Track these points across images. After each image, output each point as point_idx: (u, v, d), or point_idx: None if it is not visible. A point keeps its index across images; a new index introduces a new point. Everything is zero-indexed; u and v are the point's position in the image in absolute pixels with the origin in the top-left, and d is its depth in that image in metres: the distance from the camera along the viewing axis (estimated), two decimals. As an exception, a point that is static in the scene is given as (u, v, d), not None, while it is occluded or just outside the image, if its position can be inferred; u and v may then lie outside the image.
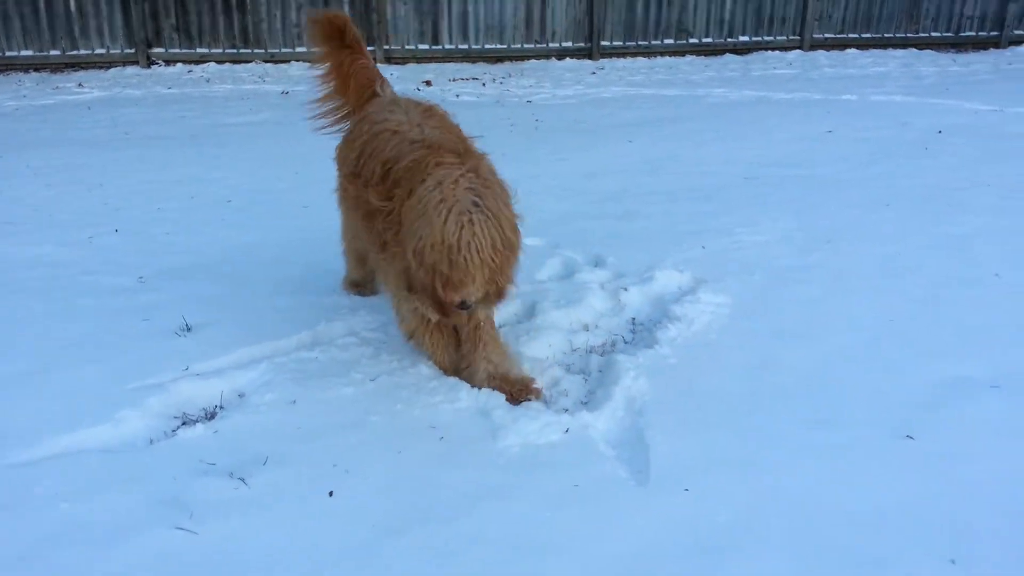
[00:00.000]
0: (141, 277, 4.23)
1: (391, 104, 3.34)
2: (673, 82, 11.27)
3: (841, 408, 2.86)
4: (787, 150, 6.77)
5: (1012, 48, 13.69)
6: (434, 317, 2.95)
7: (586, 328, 3.58)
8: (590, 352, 3.39)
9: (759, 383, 3.04)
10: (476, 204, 2.53)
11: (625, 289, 3.84)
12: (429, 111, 3.25)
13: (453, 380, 3.10)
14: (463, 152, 2.83)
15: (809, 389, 2.99)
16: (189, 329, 3.59)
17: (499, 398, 2.98)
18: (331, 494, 2.51)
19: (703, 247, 4.43)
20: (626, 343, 3.48)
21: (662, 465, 2.58)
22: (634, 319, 3.67)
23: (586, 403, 3.02)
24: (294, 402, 3.00)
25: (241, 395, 3.13)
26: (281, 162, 6.83)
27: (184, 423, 2.93)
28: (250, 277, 4.22)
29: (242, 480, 2.55)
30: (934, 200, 5.14)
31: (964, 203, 5.05)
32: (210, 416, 2.97)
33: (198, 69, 12.65)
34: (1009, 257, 4.12)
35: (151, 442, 2.81)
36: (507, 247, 2.58)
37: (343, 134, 3.51)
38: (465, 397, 3.00)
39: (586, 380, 3.18)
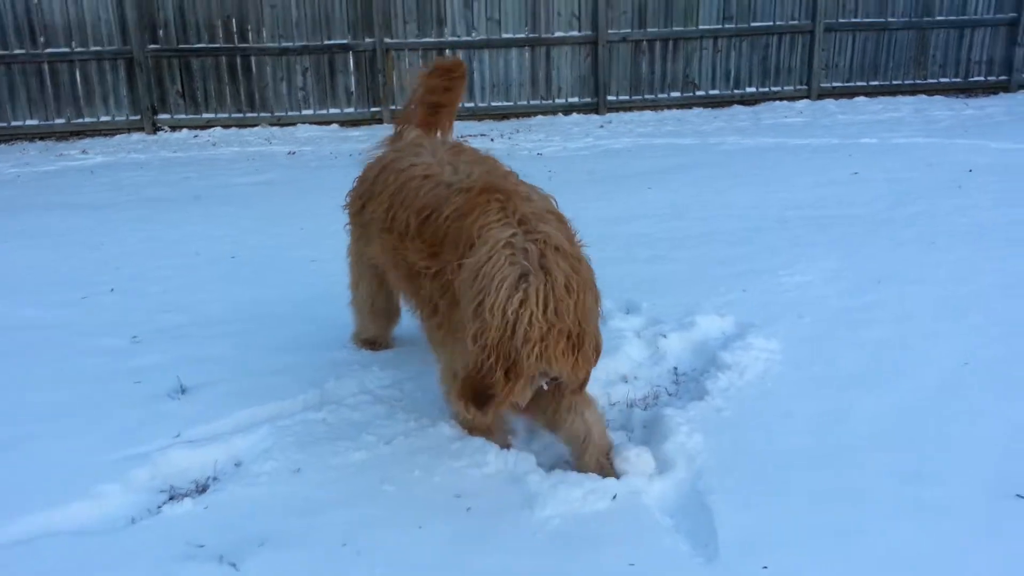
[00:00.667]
0: (135, 337, 3.89)
1: (414, 146, 3.02)
2: (683, 132, 11.10)
3: (932, 462, 2.47)
4: (815, 193, 6.47)
5: (1022, 92, 13.57)
6: (478, 417, 2.47)
7: (624, 380, 3.21)
8: (631, 406, 3.02)
9: (832, 436, 2.65)
10: (525, 275, 2.15)
11: (664, 336, 3.48)
12: (458, 148, 2.95)
13: (479, 441, 2.72)
14: (506, 192, 2.41)
15: (891, 441, 2.61)
16: (184, 391, 3.23)
17: (531, 461, 2.60)
18: (341, 581, 2.11)
19: (744, 290, 4.08)
20: (670, 395, 3.10)
21: (732, 537, 2.18)
22: (676, 368, 3.30)
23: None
24: (298, 470, 2.63)
25: (238, 464, 2.75)
26: (287, 219, 6.56)
27: (172, 497, 2.55)
28: (254, 334, 3.87)
29: (233, 566, 2.16)
30: (985, 238, 4.80)
31: (1019, 240, 4.71)
32: (201, 489, 2.59)
33: (204, 134, 12.58)
34: (1082, 292, 3.75)
35: (132, 521, 2.43)
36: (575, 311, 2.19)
37: (356, 182, 3.22)
38: (493, 460, 2.61)
39: (630, 437, 2.79)
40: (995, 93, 13.86)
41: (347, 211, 3.28)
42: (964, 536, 2.13)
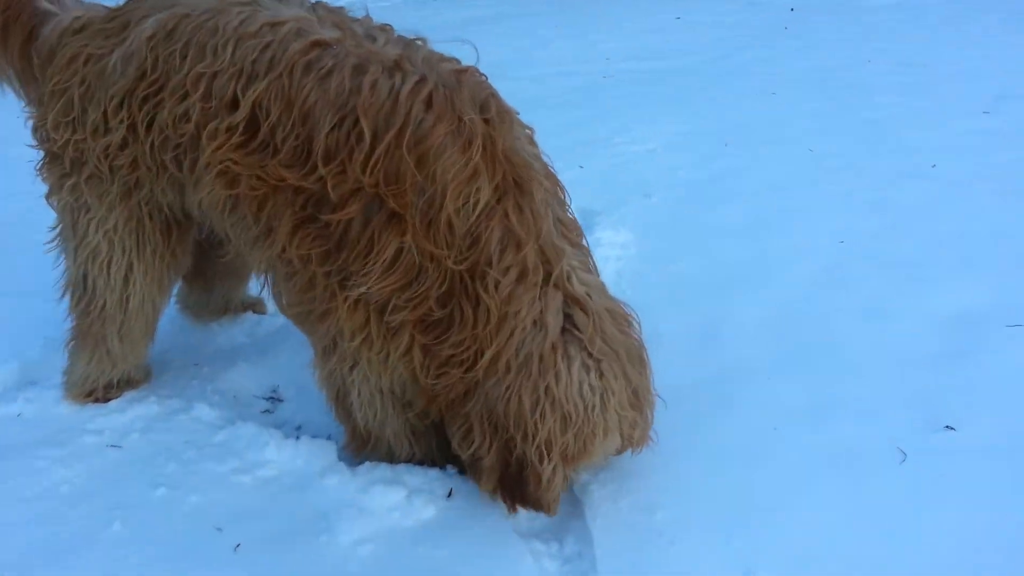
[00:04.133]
0: None
1: None
2: (494, -22, 10.03)
3: (834, 385, 1.99)
4: (641, 42, 5.84)
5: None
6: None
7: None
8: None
9: (711, 361, 2.10)
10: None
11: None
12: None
13: (254, 430, 1.92)
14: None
15: (785, 357, 2.10)
16: None
17: (328, 451, 1.85)
18: None
19: (581, 167, 3.42)
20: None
21: (609, 541, 1.59)
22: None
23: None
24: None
25: None
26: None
27: None
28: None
29: None
30: (828, 84, 4.41)
31: (861, 84, 4.35)
32: None
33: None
34: (939, 144, 3.43)
35: None
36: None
37: (79, 74, 1.77)
38: (275, 458, 1.84)
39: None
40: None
41: (58, 135, 1.80)
42: (891, 489, 1.67)
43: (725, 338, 2.21)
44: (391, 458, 1.80)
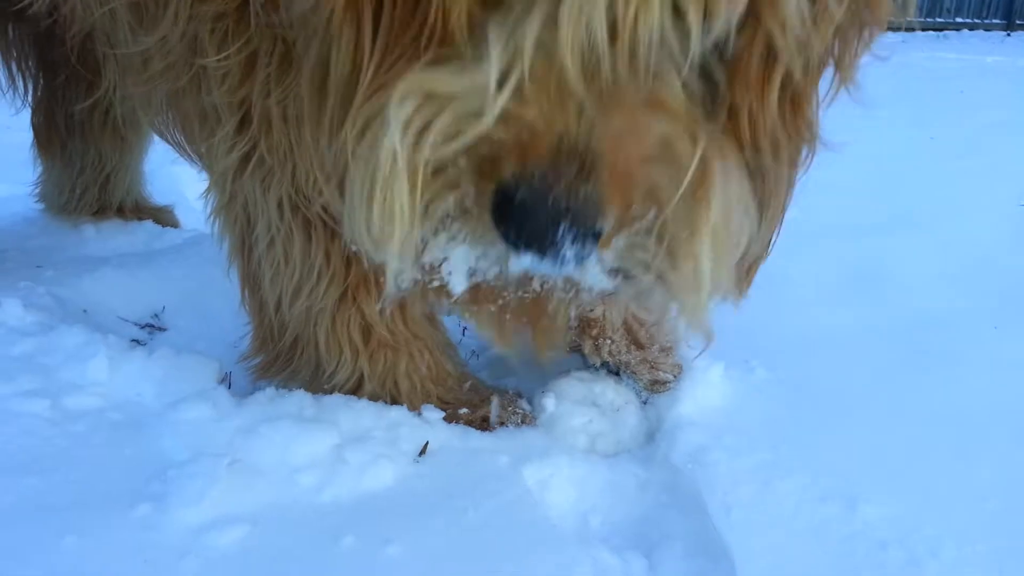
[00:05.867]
0: None
1: None
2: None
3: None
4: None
5: None
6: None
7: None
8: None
9: (887, 302, 1.27)
10: None
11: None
12: None
13: (81, 338, 1.06)
14: None
15: (998, 310, 1.27)
16: None
17: (208, 372, 1.00)
18: None
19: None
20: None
21: (764, 541, 0.72)
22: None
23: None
24: None
25: None
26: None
27: None
28: None
29: None
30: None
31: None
32: None
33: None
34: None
35: None
36: None
37: None
38: (103, 377, 0.98)
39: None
40: None
41: None
42: None
43: (901, 284, 1.38)
44: (317, 381, 0.94)
